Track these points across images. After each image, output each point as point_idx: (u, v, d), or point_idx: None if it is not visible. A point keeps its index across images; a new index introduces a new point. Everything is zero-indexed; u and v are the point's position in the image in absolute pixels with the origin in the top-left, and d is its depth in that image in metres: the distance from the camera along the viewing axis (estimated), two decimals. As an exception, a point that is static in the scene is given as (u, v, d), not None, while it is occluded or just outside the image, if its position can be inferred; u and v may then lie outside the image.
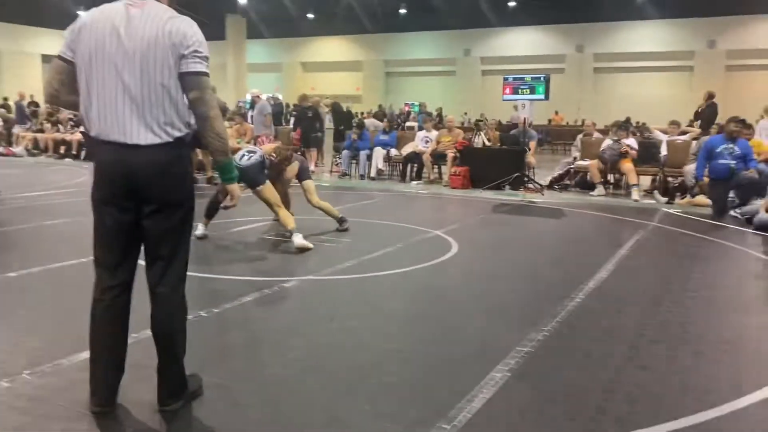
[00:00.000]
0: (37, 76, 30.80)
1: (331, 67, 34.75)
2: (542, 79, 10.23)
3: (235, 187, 2.75)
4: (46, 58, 31.43)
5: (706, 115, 12.98)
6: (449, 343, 3.60)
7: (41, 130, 16.29)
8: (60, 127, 15.87)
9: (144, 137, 2.43)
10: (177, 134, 2.50)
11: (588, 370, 3.24)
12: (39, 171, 12.65)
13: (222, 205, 2.88)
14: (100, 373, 2.62)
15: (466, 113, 27.58)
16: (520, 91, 10.45)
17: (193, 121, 2.57)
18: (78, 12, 23.86)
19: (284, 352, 3.38)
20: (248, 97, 20.98)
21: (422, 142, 11.80)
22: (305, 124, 13.23)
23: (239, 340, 3.58)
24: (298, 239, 5.75)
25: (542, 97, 10.32)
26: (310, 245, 5.76)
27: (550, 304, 4.28)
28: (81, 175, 11.60)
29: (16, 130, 16.70)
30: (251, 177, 5.89)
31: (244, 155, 5.94)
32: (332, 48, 34.57)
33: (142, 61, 2.40)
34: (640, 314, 4.17)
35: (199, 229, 6.22)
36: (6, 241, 6.25)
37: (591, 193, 10.07)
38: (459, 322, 3.97)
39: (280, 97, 16.46)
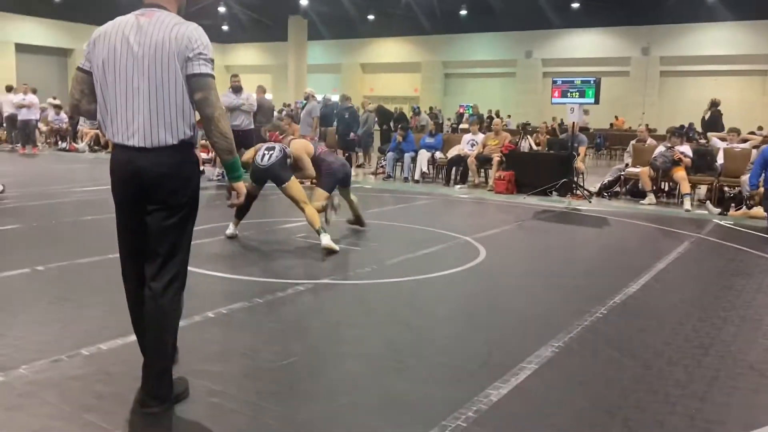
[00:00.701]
0: (10, 65, 28.96)
1: (390, 69, 34.76)
2: (592, 82, 9.91)
3: (240, 185, 2.80)
4: (20, 47, 29.72)
5: (709, 121, 13.55)
6: (451, 354, 3.48)
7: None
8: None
9: (150, 140, 2.54)
10: (182, 137, 2.59)
11: (591, 391, 3.07)
12: (98, 166, 13.12)
13: (228, 202, 2.90)
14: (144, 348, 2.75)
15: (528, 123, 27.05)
16: (569, 94, 10.15)
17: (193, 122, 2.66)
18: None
19: (283, 357, 3.34)
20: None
21: (468, 145, 11.63)
22: (341, 126, 13.26)
23: (239, 343, 3.55)
24: (325, 239, 5.71)
25: (592, 100, 9.98)
26: (336, 247, 5.72)
27: (568, 319, 4.11)
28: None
29: (81, 126, 17.38)
30: (275, 174, 5.93)
31: (264, 155, 5.96)
32: (391, 49, 34.56)
33: (150, 65, 2.51)
34: (662, 332, 3.94)
35: (230, 228, 6.31)
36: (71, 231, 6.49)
37: (641, 201, 9.69)
38: (467, 334, 3.85)
39: (334, 98, 16.43)
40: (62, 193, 9.18)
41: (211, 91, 2.57)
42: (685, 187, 9.32)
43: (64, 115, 17.89)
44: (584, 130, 22.31)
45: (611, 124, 25.46)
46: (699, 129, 14.57)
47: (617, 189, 10.54)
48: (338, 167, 6.48)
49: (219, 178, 10.91)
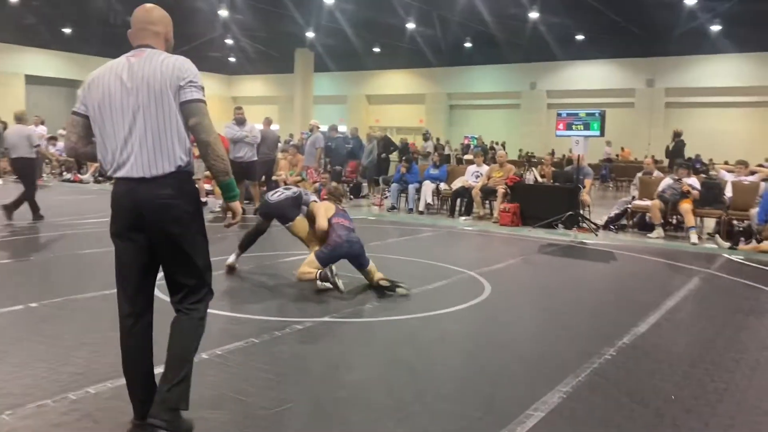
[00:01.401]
0: (20, 96, 29.35)
1: (395, 100, 34.95)
2: (597, 114, 9.83)
3: (237, 205, 2.85)
4: (30, 78, 30.22)
5: (673, 151, 14.55)
6: (454, 401, 3.33)
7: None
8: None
9: (149, 170, 2.61)
10: (179, 163, 2.65)
11: (600, 442, 2.92)
12: (101, 197, 13.07)
13: (225, 223, 2.84)
14: (132, 391, 2.77)
15: (531, 153, 27.10)
16: (573, 126, 10.06)
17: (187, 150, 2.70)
18: (64, 31, 23.98)
19: (277, 404, 3.20)
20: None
21: (472, 176, 11.55)
22: (333, 157, 13.28)
23: (233, 387, 3.40)
24: (319, 283, 5.36)
25: (597, 133, 9.90)
26: (328, 286, 5.37)
27: (575, 361, 3.96)
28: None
29: (86, 157, 17.39)
30: (281, 213, 5.90)
31: (275, 193, 5.97)
32: (396, 81, 34.79)
33: (143, 98, 2.60)
34: (673, 376, 3.78)
35: (231, 258, 6.24)
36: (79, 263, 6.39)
37: (649, 234, 9.54)
38: (471, 377, 3.71)
39: (343, 128, 16.40)
40: (63, 225, 9.10)
41: (204, 116, 2.65)
42: (690, 220, 9.17)
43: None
44: (607, 161, 22.40)
45: (617, 156, 25.42)
46: (704, 161, 15.12)
47: (624, 222, 10.39)
48: (343, 244, 5.55)
49: (221, 209, 10.84)
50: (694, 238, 9.00)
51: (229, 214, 2.86)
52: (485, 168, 11.63)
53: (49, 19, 25.70)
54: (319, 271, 5.33)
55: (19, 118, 9.96)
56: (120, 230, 2.69)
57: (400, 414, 3.16)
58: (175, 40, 2.90)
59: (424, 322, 4.80)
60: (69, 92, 32.93)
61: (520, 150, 27.50)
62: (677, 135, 15.64)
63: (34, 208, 9.33)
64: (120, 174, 2.64)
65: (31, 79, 30.48)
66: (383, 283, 5.58)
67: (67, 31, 28.14)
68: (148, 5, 2.82)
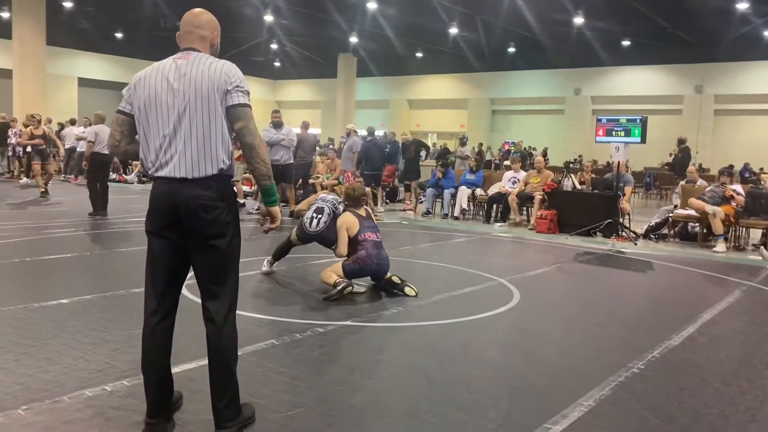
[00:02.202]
0: (73, 99, 30.92)
1: (437, 105, 34.83)
2: (638, 120, 9.58)
3: (276, 210, 2.88)
4: (82, 81, 31.54)
5: (679, 160, 13.52)
6: (470, 411, 3.25)
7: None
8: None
9: (192, 171, 2.65)
10: (221, 166, 2.70)
11: (617, 459, 2.81)
12: (144, 197, 13.36)
13: (263, 227, 2.84)
14: (148, 389, 2.79)
15: (580, 155, 26.64)
16: (614, 133, 9.83)
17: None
18: (2, 15, 24.28)
19: (290, 407, 3.17)
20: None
21: (509, 182, 11.39)
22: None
23: (247, 390, 3.32)
24: (334, 292, 5.33)
25: (638, 140, 9.65)
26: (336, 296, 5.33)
27: (601, 373, 3.83)
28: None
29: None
30: (323, 238, 5.90)
31: (313, 219, 5.85)
32: (438, 86, 34.68)
33: (190, 101, 2.65)
34: (704, 392, 3.63)
35: (265, 265, 6.30)
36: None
37: (714, 249, 8.92)
38: (491, 387, 3.61)
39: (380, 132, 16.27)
40: (104, 224, 9.32)
41: (250, 120, 2.70)
42: (718, 227, 8.80)
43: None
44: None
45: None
46: (754, 170, 14.19)
47: (665, 231, 10.10)
48: (372, 264, 5.57)
49: (258, 210, 10.95)
50: (720, 246, 8.65)
51: (268, 218, 2.89)
52: (523, 174, 11.46)
53: (101, 24, 26.51)
54: (340, 281, 5.32)
55: (102, 119, 10.57)
56: (156, 228, 2.74)
57: (414, 422, 3.10)
58: (222, 44, 2.94)
59: (446, 329, 4.72)
60: (118, 95, 33.67)
61: (579, 155, 26.85)
62: (681, 142, 14.42)
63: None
64: (162, 173, 2.68)
65: (83, 82, 31.58)
66: (395, 279, 5.59)
67: (119, 35, 29.00)
68: (197, 10, 2.86)
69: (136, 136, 2.81)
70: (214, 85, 2.64)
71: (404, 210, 12.78)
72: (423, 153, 13.74)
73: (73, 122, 18.20)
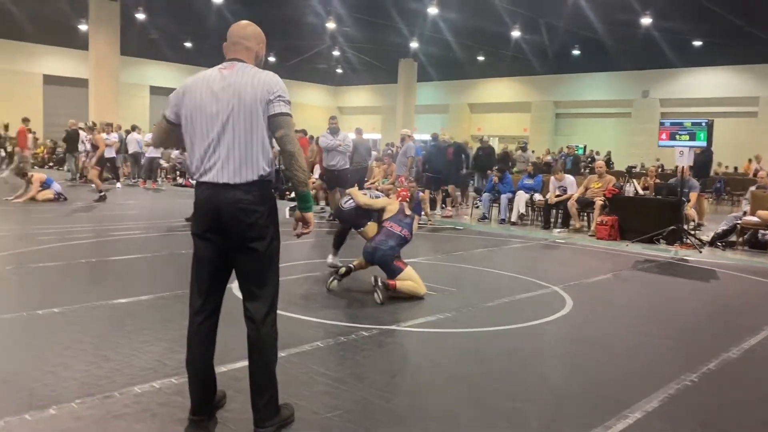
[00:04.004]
0: (145, 106, 32.00)
1: (498, 108, 34.49)
2: (704, 124, 9.21)
3: (310, 216, 2.98)
4: (153, 89, 32.54)
5: (700, 162, 12.86)
6: (512, 419, 3.20)
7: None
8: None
9: (233, 177, 2.74)
10: (262, 173, 2.78)
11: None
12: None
13: (295, 232, 2.92)
14: (192, 385, 2.90)
15: (658, 160, 25.83)
16: (677, 136, 9.48)
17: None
18: (80, 27, 24.91)
19: (329, 410, 3.21)
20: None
21: (559, 190, 11.18)
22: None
23: (289, 390, 3.40)
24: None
25: (703, 144, 9.28)
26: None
27: (651, 385, 3.71)
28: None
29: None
30: (350, 220, 6.22)
31: (349, 200, 6.19)
32: (500, 89, 34.33)
33: (233, 110, 2.74)
34: (760, 409, 3.46)
35: (330, 258, 6.66)
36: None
37: None
38: (534, 396, 3.55)
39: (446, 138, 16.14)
40: (172, 227, 9.66)
41: (290, 129, 2.80)
42: None
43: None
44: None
45: (735, 168, 23.75)
46: None
47: (733, 239, 9.67)
48: (368, 246, 5.82)
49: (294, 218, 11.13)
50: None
51: (301, 224, 2.97)
52: (568, 180, 11.22)
53: (171, 34, 27.52)
54: (344, 265, 5.89)
55: None
56: (200, 231, 2.85)
57: (453, 429, 3.08)
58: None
59: (494, 336, 4.67)
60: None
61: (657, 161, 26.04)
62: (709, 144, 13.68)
63: None
64: (205, 179, 2.78)
65: (154, 90, 32.89)
66: (378, 279, 5.54)
67: (187, 44, 30.04)
68: (244, 22, 2.96)
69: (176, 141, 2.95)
70: (257, 95, 2.73)
71: (444, 216, 12.64)
72: (463, 158, 13.63)
73: (133, 128, 18.80)
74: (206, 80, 2.82)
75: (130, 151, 18.18)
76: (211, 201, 2.78)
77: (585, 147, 26.15)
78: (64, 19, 24.58)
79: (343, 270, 5.82)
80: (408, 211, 6.00)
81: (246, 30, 2.93)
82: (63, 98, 29.50)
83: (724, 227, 9.74)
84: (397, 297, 5.46)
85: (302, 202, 2.94)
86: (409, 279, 5.60)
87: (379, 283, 5.43)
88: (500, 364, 4.11)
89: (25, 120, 16.90)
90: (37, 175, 12.67)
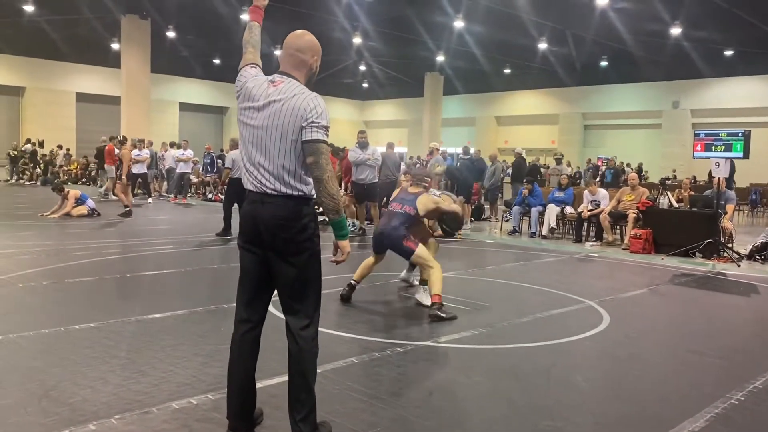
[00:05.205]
0: (174, 122, 32.53)
1: (525, 121, 34.30)
2: (740, 135, 9.04)
3: (345, 243, 2.91)
4: (183, 106, 33.11)
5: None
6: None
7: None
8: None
9: (272, 188, 2.77)
10: (303, 188, 2.79)
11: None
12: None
13: (330, 259, 2.91)
14: (231, 396, 2.91)
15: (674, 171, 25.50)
16: (713, 148, 9.32)
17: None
18: (112, 46, 25.21)
19: (367, 427, 3.18)
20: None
21: (590, 204, 11.02)
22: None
23: (325, 407, 3.38)
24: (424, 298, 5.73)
25: (740, 155, 9.10)
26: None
27: (695, 404, 3.61)
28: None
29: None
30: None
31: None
32: (527, 102, 34.16)
33: (270, 127, 2.75)
34: (812, 430, 3.33)
35: (403, 273, 6.66)
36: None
37: None
38: (572, 416, 3.46)
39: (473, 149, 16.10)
40: (203, 242, 9.74)
41: (322, 155, 2.74)
42: None
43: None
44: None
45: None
46: None
47: (772, 252, 9.42)
48: (376, 232, 5.92)
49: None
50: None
51: (339, 252, 2.90)
52: (602, 194, 11.05)
53: (200, 51, 27.94)
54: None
55: (236, 143, 10.69)
56: (243, 242, 2.89)
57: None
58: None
59: (530, 353, 4.60)
60: (216, 118, 35.69)
61: (674, 171, 25.70)
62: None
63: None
64: (249, 188, 2.84)
65: (183, 106, 33.39)
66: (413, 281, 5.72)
67: (216, 61, 30.47)
68: (300, 31, 2.91)
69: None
70: (293, 120, 2.72)
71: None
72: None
73: (171, 145, 19.13)
74: (257, 87, 2.82)
75: (167, 167, 18.48)
76: (252, 214, 2.81)
77: (615, 159, 25.78)
78: (96, 39, 25.10)
79: (344, 291, 5.83)
80: (413, 189, 5.89)
81: (301, 40, 2.88)
82: (95, 115, 30.12)
83: (763, 240, 9.51)
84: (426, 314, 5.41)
85: (336, 230, 2.89)
86: (422, 258, 5.58)
87: (423, 302, 5.61)
88: (537, 381, 4.03)
89: (113, 138, 17.14)
90: (73, 191, 12.88)
